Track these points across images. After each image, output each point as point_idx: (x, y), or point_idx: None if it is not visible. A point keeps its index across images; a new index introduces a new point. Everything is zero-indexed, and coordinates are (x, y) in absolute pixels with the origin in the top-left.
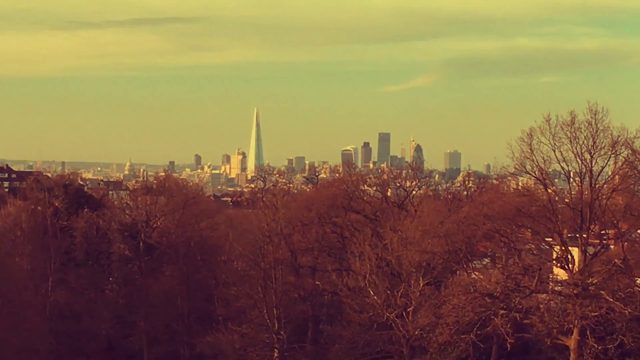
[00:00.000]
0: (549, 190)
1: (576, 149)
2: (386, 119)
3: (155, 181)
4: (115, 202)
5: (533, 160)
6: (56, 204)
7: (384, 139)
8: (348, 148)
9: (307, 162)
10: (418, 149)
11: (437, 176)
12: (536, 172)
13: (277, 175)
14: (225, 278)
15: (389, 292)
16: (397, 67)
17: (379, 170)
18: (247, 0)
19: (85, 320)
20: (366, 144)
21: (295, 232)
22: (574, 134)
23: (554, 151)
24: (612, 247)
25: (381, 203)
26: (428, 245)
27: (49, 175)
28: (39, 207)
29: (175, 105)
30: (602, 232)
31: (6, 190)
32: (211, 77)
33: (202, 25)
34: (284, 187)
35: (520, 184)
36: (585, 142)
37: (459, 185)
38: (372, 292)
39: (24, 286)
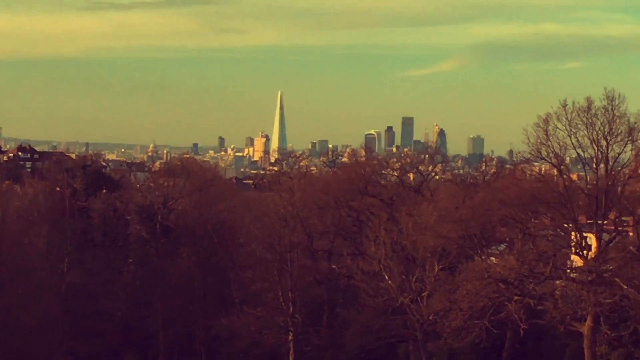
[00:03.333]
0: (565, 177)
1: (592, 135)
2: (410, 103)
3: (178, 163)
4: (138, 184)
5: (549, 146)
6: (75, 185)
7: (408, 123)
8: (371, 132)
9: (330, 145)
10: (441, 133)
11: (459, 161)
12: (552, 158)
13: (297, 157)
14: (241, 261)
15: (403, 276)
16: (422, 52)
17: (401, 155)
18: None
19: (102, 301)
20: (389, 128)
21: (312, 216)
22: (590, 120)
23: (570, 137)
24: (630, 234)
25: (398, 187)
26: (443, 230)
27: (72, 155)
28: (57, 188)
29: (200, 87)
30: (617, 218)
31: (28, 170)
32: (237, 60)
33: (229, 7)
34: (303, 170)
35: (540, 169)
36: (602, 128)
37: (475, 170)
38: (387, 277)
39: (40, 266)
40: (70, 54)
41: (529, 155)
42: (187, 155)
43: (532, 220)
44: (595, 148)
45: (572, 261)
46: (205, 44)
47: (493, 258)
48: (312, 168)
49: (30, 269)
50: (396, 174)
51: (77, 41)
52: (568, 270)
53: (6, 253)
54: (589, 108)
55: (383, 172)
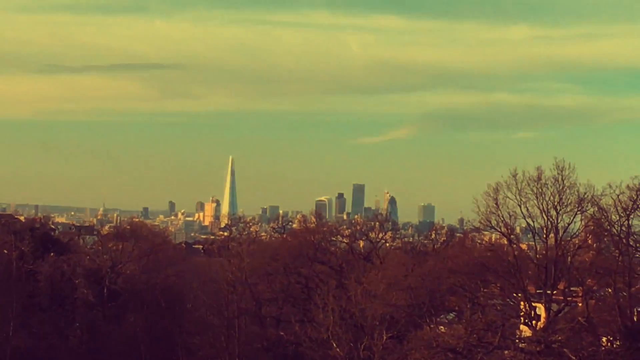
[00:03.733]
0: (514, 246)
1: (542, 205)
2: (361, 170)
3: (128, 226)
4: (87, 247)
5: (499, 215)
6: (22, 248)
7: (359, 190)
8: (322, 198)
9: (281, 211)
10: (392, 201)
11: (410, 229)
12: (502, 228)
13: (247, 223)
14: (189, 326)
15: (352, 344)
16: (374, 119)
17: (352, 222)
18: (227, 49)
19: None
20: (340, 195)
21: (261, 282)
22: (540, 190)
23: (520, 207)
24: (578, 304)
25: (347, 254)
26: (392, 298)
27: (21, 218)
28: (4, 250)
29: (151, 151)
30: (567, 289)
31: None
32: (188, 125)
33: (182, 73)
34: (253, 235)
35: (490, 238)
36: (552, 198)
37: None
38: (335, 345)
39: None
40: (21, 116)
41: (479, 224)
42: (137, 219)
43: (482, 289)
44: (545, 218)
45: (521, 331)
46: (159, 109)
47: (442, 327)
48: (262, 234)
49: None
50: (346, 241)
51: (29, 103)
52: (517, 340)
53: None
54: (539, 178)
55: (333, 239)
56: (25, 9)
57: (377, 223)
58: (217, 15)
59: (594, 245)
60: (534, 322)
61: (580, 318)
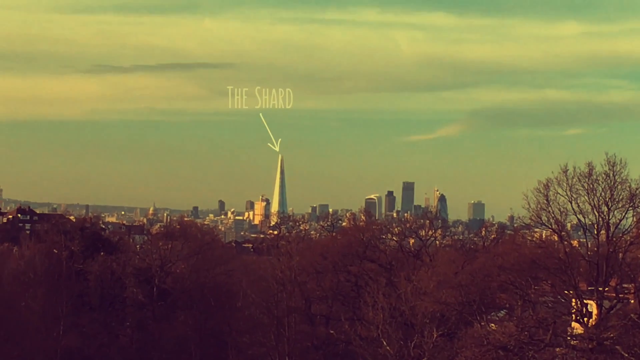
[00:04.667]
0: (565, 243)
1: (593, 201)
2: (411, 168)
3: (178, 226)
4: (137, 247)
5: (549, 211)
6: (72, 247)
7: (408, 188)
8: (372, 196)
9: (330, 209)
10: (442, 199)
11: (460, 227)
12: (552, 224)
13: (297, 221)
14: (238, 325)
15: (402, 342)
16: (424, 117)
17: (402, 220)
18: (276, 47)
19: None
20: (390, 193)
21: (310, 280)
22: (591, 186)
23: (571, 203)
24: (630, 301)
25: (397, 252)
26: (442, 296)
27: (72, 218)
28: (54, 250)
29: (201, 150)
30: (619, 285)
31: (27, 232)
32: (239, 123)
33: (231, 72)
34: (302, 234)
35: (540, 235)
36: (603, 194)
37: (475, 236)
38: (385, 343)
39: (35, 330)
40: (72, 116)
41: (529, 221)
42: (187, 219)
43: (532, 286)
44: (597, 214)
45: (573, 328)
46: (209, 108)
47: (492, 324)
48: (311, 232)
49: (25, 332)
50: (396, 239)
51: (79, 104)
52: (568, 338)
53: (1, 315)
54: (590, 174)
55: (383, 236)
56: (74, 9)
57: (427, 221)
58: (266, 13)
59: None
60: (585, 319)
61: (632, 315)
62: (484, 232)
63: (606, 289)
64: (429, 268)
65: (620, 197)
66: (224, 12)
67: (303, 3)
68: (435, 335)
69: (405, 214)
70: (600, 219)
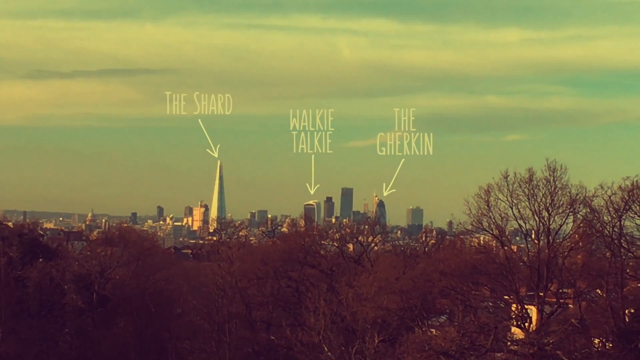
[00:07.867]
0: (506, 248)
1: (534, 206)
2: (350, 174)
3: (117, 232)
4: (76, 253)
5: (490, 217)
6: (10, 254)
7: (347, 194)
8: (310, 202)
9: (269, 215)
10: (381, 204)
11: (399, 232)
12: (493, 230)
13: (236, 227)
14: (179, 331)
15: (343, 348)
16: (364, 122)
17: (341, 225)
18: (217, 53)
19: None
20: (329, 199)
21: (251, 286)
22: (532, 191)
23: (512, 208)
24: (570, 306)
25: (338, 258)
26: (383, 302)
27: (9, 224)
28: None
29: (139, 156)
30: (559, 290)
31: None
32: (177, 129)
33: (172, 77)
34: (242, 240)
35: (480, 240)
36: (543, 199)
37: (414, 241)
38: (326, 349)
39: None
40: (10, 121)
41: (470, 226)
42: (126, 225)
43: (473, 291)
44: (537, 219)
45: (513, 333)
46: (147, 113)
47: (434, 330)
48: (251, 238)
49: None
50: (336, 245)
51: (19, 109)
52: (509, 343)
53: None
54: (530, 179)
55: (323, 242)
56: (14, 14)
57: (367, 226)
58: (208, 19)
59: (586, 246)
60: (526, 324)
61: (572, 320)
62: (423, 237)
63: (546, 294)
64: (370, 274)
65: (561, 202)
66: (165, 18)
67: (245, 9)
68: (376, 341)
69: (344, 220)
70: (541, 224)
